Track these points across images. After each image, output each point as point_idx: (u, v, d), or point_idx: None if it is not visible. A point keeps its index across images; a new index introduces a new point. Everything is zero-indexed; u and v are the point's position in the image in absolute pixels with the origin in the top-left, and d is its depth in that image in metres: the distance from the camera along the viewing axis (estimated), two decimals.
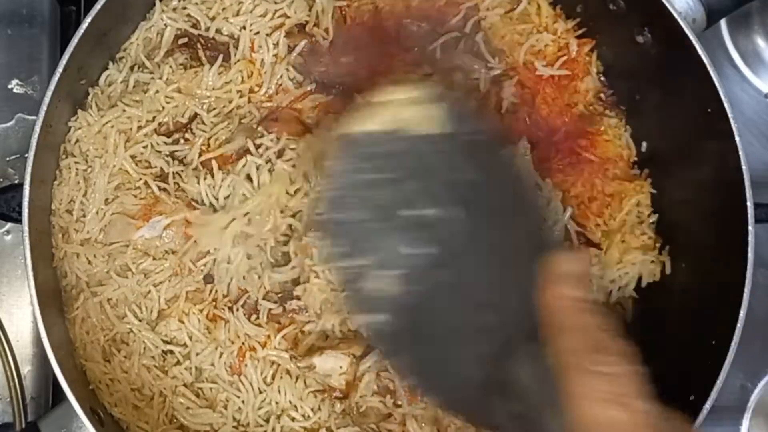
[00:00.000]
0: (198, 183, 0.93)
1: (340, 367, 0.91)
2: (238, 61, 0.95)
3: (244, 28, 0.96)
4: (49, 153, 0.93)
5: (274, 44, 0.95)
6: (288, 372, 0.93)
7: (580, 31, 1.01)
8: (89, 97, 0.96)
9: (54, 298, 0.94)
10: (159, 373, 0.93)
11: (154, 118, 0.95)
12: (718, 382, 0.85)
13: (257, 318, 0.93)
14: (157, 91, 0.94)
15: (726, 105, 0.88)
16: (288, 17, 0.97)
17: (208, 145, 0.95)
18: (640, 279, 1.00)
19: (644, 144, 1.01)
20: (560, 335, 0.65)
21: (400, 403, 0.92)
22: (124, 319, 0.93)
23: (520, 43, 1.00)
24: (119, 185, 0.94)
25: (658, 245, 0.99)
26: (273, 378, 0.93)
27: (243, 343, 0.93)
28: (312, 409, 0.92)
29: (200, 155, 0.94)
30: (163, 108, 0.95)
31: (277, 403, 0.93)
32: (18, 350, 1.02)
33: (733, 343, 0.85)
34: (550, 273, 0.67)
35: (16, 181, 1.04)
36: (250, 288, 0.93)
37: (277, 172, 0.93)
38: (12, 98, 1.09)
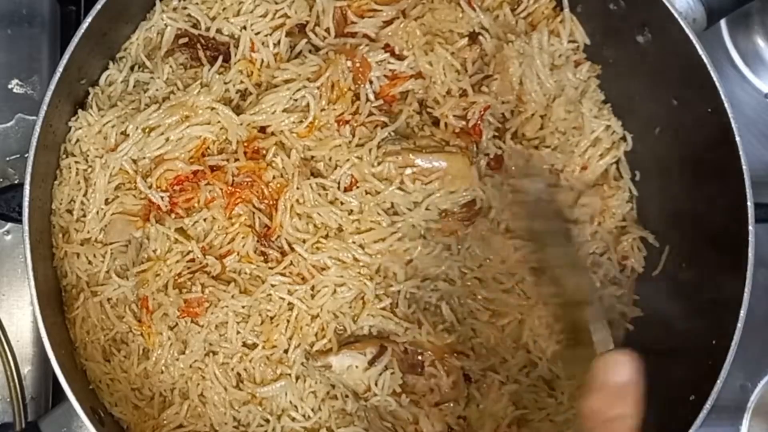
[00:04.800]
0: None
1: (356, 367, 0.91)
2: (238, 61, 0.95)
3: (245, 28, 0.96)
4: (49, 153, 0.93)
5: (274, 44, 0.95)
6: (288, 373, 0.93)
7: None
8: (89, 97, 0.96)
9: (54, 298, 0.94)
10: None
11: None
12: (718, 382, 0.85)
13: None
14: (157, 90, 0.94)
15: (726, 105, 0.88)
16: (288, 17, 0.97)
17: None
18: (638, 279, 1.01)
19: (643, 144, 1.01)
20: None
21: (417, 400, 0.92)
22: (124, 319, 0.93)
23: None
24: (119, 185, 0.94)
25: None
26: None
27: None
28: (312, 409, 0.92)
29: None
30: None
31: (277, 403, 0.93)
32: (18, 350, 1.02)
33: (733, 343, 0.86)
34: (593, 379, 0.66)
35: (16, 181, 1.04)
36: None
37: None
38: (12, 98, 1.09)
